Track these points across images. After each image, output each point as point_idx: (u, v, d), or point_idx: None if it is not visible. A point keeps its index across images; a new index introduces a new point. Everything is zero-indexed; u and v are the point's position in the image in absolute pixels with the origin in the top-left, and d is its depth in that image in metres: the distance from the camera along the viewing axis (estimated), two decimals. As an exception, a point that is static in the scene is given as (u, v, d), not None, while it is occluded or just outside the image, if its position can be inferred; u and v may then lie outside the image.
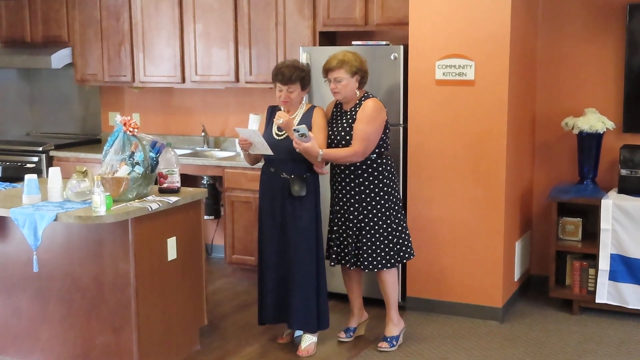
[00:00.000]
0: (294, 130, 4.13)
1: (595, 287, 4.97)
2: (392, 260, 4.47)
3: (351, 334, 4.68)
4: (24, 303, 4.29)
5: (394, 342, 4.53)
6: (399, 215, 4.51)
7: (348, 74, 4.28)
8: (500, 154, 4.79)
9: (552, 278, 5.16)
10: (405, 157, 5.04)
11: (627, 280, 4.85)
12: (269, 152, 4.27)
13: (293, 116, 4.32)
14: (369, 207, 4.38)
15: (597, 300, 4.96)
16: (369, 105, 4.31)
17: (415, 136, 4.99)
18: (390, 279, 4.52)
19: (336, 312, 4.98)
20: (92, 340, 4.13)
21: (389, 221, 4.42)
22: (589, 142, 5.11)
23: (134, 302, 3.97)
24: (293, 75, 4.25)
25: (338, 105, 4.47)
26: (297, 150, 4.19)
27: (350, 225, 4.42)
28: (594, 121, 5.04)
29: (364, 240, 4.39)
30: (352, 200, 4.39)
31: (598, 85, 5.32)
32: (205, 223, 4.56)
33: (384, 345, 4.51)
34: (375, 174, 4.37)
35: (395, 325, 4.57)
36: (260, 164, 4.54)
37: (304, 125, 4.15)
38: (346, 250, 4.49)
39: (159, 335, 4.18)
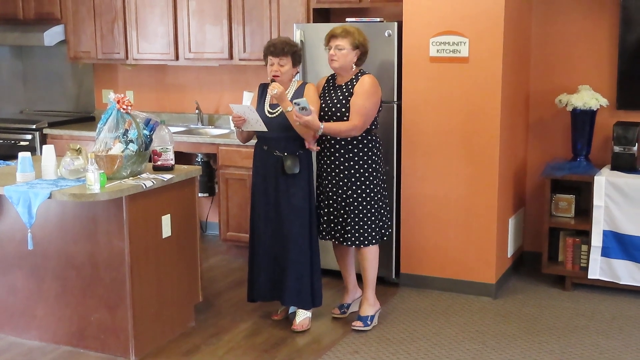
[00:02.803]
0: (295, 103, 4.09)
1: (587, 263, 5.00)
2: (377, 237, 4.48)
3: (345, 310, 4.70)
4: (19, 281, 4.31)
5: (368, 322, 4.49)
6: (384, 192, 4.52)
7: (350, 45, 4.29)
8: (494, 131, 4.79)
9: (545, 254, 5.19)
10: (399, 134, 5.04)
11: (619, 256, 4.89)
12: (263, 128, 4.25)
13: (286, 92, 4.30)
14: (357, 183, 4.38)
15: (590, 277, 5.00)
16: (366, 81, 4.32)
17: (409, 113, 4.99)
18: (371, 256, 4.50)
19: (330, 289, 5.01)
20: (87, 317, 4.15)
21: (376, 198, 4.44)
22: (583, 119, 5.12)
23: (129, 280, 3.99)
24: (285, 47, 4.25)
25: (330, 80, 4.47)
26: (297, 124, 4.16)
27: (337, 201, 4.43)
28: (588, 98, 5.04)
29: (352, 215, 4.40)
30: (341, 175, 4.39)
31: (592, 62, 5.31)
32: (199, 200, 4.57)
33: (358, 324, 4.49)
34: (365, 150, 4.37)
35: (370, 306, 4.55)
36: (254, 141, 4.53)
37: (304, 99, 4.12)
38: (332, 226, 4.50)
39: (153, 312, 4.20)
